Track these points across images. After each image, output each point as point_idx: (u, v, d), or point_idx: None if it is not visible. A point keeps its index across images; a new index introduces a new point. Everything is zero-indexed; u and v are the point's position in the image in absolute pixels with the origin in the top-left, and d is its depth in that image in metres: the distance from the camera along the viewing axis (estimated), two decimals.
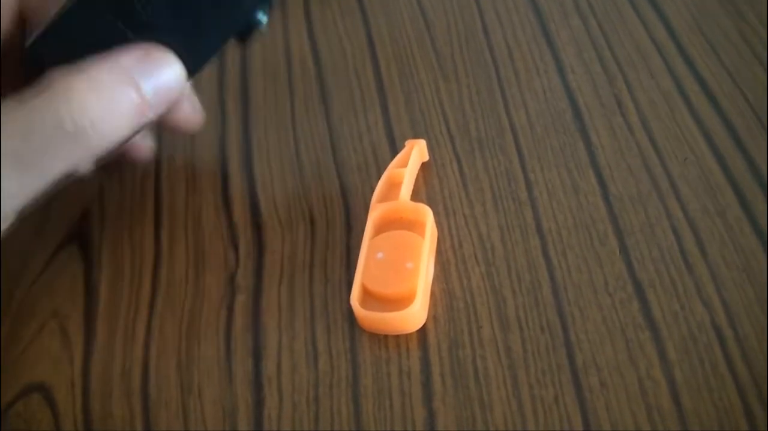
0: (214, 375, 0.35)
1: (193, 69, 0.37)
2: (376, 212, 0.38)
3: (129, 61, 0.35)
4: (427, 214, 0.38)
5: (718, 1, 0.47)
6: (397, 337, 0.35)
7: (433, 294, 0.36)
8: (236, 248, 0.40)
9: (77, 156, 0.33)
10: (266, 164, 0.43)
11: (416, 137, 0.42)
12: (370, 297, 0.36)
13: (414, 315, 0.35)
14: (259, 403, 0.34)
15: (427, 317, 0.35)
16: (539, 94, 0.44)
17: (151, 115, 0.35)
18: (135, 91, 0.34)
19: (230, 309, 0.37)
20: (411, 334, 0.35)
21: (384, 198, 0.39)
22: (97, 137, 0.33)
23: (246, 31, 0.38)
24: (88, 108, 0.33)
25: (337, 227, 0.39)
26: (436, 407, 0.33)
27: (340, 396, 0.34)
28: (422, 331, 0.35)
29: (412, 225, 0.38)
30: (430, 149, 0.42)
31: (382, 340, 0.35)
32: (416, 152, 0.41)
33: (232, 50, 0.50)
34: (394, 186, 0.39)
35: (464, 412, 0.33)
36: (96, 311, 0.38)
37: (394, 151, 0.42)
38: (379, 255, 0.36)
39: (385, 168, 0.40)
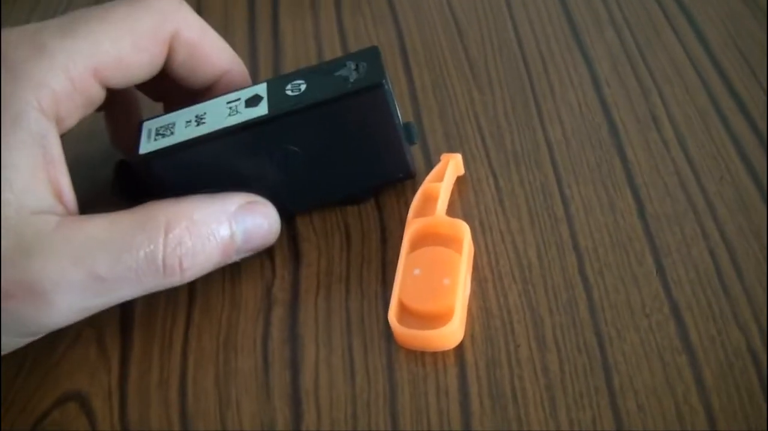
0: (252, 388, 0.36)
1: (289, 215, 0.40)
2: (412, 228, 0.38)
3: (231, 205, 0.37)
4: (464, 230, 0.38)
5: (753, 15, 0.47)
6: (435, 355, 0.35)
7: (470, 312, 0.36)
8: (272, 260, 0.40)
9: (155, 287, 0.35)
10: None
11: (451, 149, 0.43)
12: (407, 314, 0.36)
13: (452, 333, 0.35)
14: (297, 418, 0.34)
15: (464, 335, 0.36)
16: (574, 108, 0.44)
17: (235, 257, 0.37)
18: (229, 236, 0.36)
19: (267, 321, 0.38)
20: (448, 352, 0.35)
21: (420, 213, 0.39)
22: (181, 275, 0.35)
23: (351, 202, 0.41)
24: (183, 250, 0.35)
25: (372, 241, 0.40)
26: (475, 427, 0.33)
27: (378, 413, 0.34)
28: (459, 349, 0.35)
29: (449, 241, 0.38)
30: (465, 162, 0.42)
31: (419, 357, 0.35)
32: (452, 166, 0.41)
33: (263, 51, 0.51)
34: (430, 201, 0.39)
35: None
36: (132, 320, 0.39)
37: (429, 163, 0.42)
38: (416, 271, 0.37)
39: (419, 181, 0.40)
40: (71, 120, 0.36)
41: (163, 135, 0.37)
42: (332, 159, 0.38)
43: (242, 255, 0.38)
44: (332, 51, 0.50)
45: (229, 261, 0.37)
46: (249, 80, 0.42)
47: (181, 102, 0.40)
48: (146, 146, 0.37)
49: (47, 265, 0.33)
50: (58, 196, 0.35)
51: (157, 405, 0.36)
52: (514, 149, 0.42)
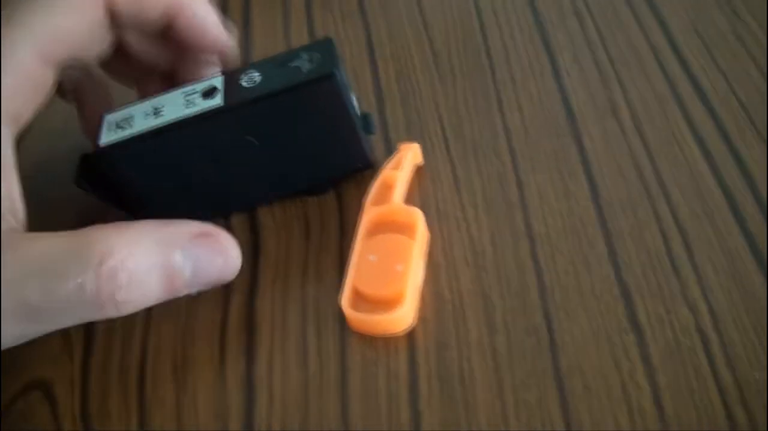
0: (208, 376, 0.36)
1: (236, 209, 0.41)
2: (368, 215, 0.39)
3: (181, 237, 0.34)
4: (418, 217, 0.38)
5: (716, 2, 0.47)
6: (387, 340, 0.36)
7: (422, 297, 0.37)
8: None
9: (91, 318, 0.33)
10: None
11: (412, 139, 0.43)
12: (360, 299, 0.36)
13: (401, 317, 0.35)
14: (250, 404, 0.35)
15: (416, 320, 0.36)
16: (534, 97, 0.44)
17: (183, 293, 0.35)
18: (172, 269, 0.33)
19: (225, 310, 0.38)
20: (400, 337, 0.36)
21: (377, 201, 0.39)
22: (114, 310, 0.32)
23: (310, 194, 0.41)
24: (117, 285, 0.32)
25: (331, 230, 0.40)
26: (422, 409, 0.33)
27: (329, 398, 0.34)
28: (411, 334, 0.36)
29: (405, 228, 0.38)
30: (425, 151, 0.42)
31: (371, 342, 0.36)
32: (410, 156, 0.41)
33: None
34: (388, 189, 0.40)
35: (449, 414, 0.33)
36: None
37: (390, 153, 0.43)
38: (372, 257, 0.37)
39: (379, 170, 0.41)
40: (27, 114, 0.36)
41: (123, 128, 0.38)
42: (290, 150, 0.39)
43: (196, 289, 0.35)
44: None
45: (179, 295, 0.34)
46: (208, 20, 0.41)
47: (154, 84, 0.41)
48: (106, 138, 0.37)
49: None
50: (11, 211, 0.33)
51: (116, 393, 0.36)
52: (473, 137, 0.43)
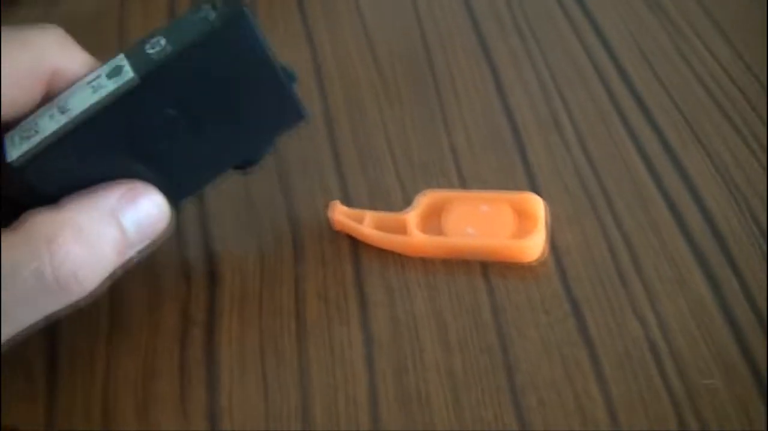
0: (171, 410, 0.36)
1: (180, 198, 0.38)
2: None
3: (111, 199, 0.34)
4: None
5: (655, 17, 0.48)
6: (344, 366, 0.36)
7: (377, 319, 0.37)
8: (188, 279, 0.40)
9: (56, 306, 0.33)
10: (218, 195, 0.43)
11: (362, 162, 0.43)
12: None
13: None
14: None
15: (372, 342, 0.37)
16: (478, 115, 0.45)
17: (132, 253, 0.35)
18: (119, 232, 0.34)
19: (184, 343, 0.38)
20: (357, 361, 0.36)
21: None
22: (78, 287, 0.32)
23: (249, 164, 0.38)
24: (73, 260, 0.32)
25: (284, 257, 0.40)
26: None
27: (290, 427, 0.35)
28: (369, 357, 0.36)
29: None
30: (375, 174, 0.43)
31: (331, 370, 0.36)
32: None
33: None
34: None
35: None
36: (57, 348, 0.39)
37: (341, 177, 0.43)
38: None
39: (331, 196, 0.41)
40: None
41: (28, 137, 0.34)
42: (214, 116, 0.36)
43: (139, 249, 0.35)
44: None
45: (126, 258, 0.35)
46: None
47: None
48: (13, 153, 0.34)
49: None
50: None
51: None
52: (421, 158, 0.43)
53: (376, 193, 0.42)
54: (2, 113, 0.35)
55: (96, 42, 0.55)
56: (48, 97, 0.36)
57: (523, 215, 0.39)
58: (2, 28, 0.36)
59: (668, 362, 0.34)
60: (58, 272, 0.31)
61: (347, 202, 0.41)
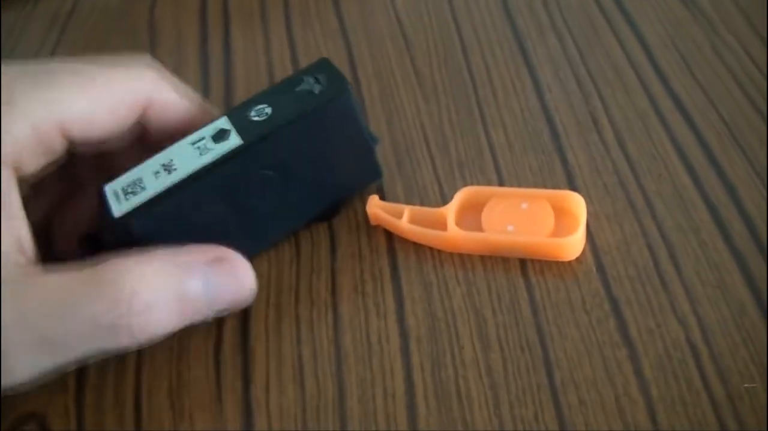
0: (205, 400, 0.36)
1: (259, 248, 0.40)
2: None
3: (200, 263, 0.34)
4: None
5: (692, 17, 0.48)
6: (381, 359, 0.36)
7: (415, 315, 0.37)
8: None
9: (110, 347, 0.33)
10: None
11: (398, 158, 0.43)
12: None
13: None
14: (249, 427, 0.35)
15: (410, 337, 0.36)
16: (517, 114, 0.45)
17: (201, 319, 0.35)
18: (200, 296, 0.34)
19: (219, 333, 0.38)
20: (394, 355, 0.36)
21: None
22: (146, 338, 0.33)
23: (326, 217, 0.41)
24: (149, 315, 0.32)
25: (321, 251, 0.40)
26: (421, 428, 0.34)
27: (327, 418, 0.35)
28: (405, 352, 0.36)
29: None
30: (412, 169, 0.43)
31: (368, 363, 0.36)
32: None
33: (215, 66, 0.51)
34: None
35: None
36: None
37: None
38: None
39: (368, 191, 0.41)
40: (30, 168, 0.35)
41: (134, 193, 0.36)
42: (306, 176, 0.38)
43: (212, 315, 0.35)
44: (282, 65, 0.50)
45: (195, 321, 0.35)
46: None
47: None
48: (119, 208, 0.35)
49: None
50: (20, 249, 0.33)
51: (112, 421, 0.36)
52: (459, 155, 0.43)
53: (412, 188, 0.42)
54: (95, 135, 0.36)
55: (126, 28, 0.56)
56: (140, 126, 0.38)
57: (562, 214, 0.39)
58: (99, 57, 0.37)
59: (709, 364, 0.34)
60: (115, 320, 0.32)
61: (383, 197, 0.41)
